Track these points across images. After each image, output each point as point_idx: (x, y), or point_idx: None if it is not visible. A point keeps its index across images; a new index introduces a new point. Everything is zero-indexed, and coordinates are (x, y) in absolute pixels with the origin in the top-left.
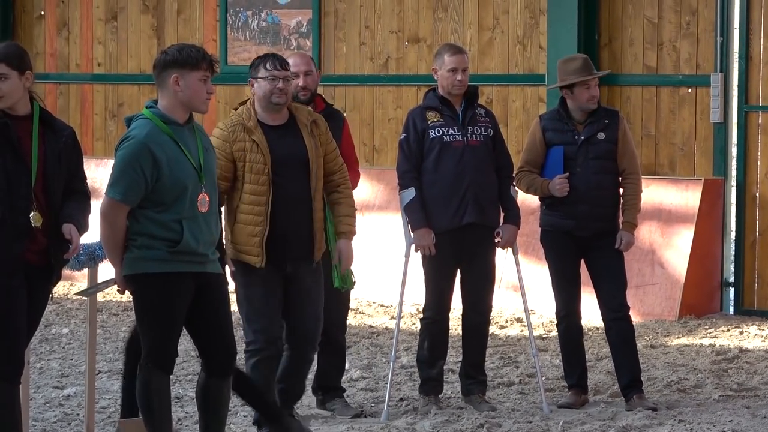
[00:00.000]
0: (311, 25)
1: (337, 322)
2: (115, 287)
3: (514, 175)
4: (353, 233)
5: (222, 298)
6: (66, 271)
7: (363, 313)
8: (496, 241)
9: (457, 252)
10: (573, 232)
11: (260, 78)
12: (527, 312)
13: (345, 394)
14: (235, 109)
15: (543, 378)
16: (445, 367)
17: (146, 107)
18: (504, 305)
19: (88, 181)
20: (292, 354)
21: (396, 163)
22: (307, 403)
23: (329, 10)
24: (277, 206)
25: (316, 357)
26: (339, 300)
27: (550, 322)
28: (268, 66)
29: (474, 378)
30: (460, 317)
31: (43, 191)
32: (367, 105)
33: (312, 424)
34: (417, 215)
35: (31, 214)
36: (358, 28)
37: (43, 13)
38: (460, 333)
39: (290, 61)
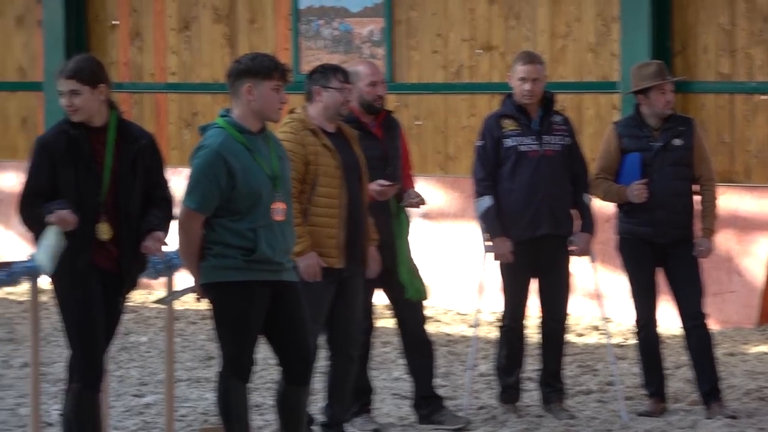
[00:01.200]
0: (383, 33)
1: (420, 319)
2: (193, 295)
3: (589, 182)
4: None
5: (298, 306)
6: (143, 280)
7: (440, 321)
8: (571, 249)
9: (533, 261)
10: (651, 240)
11: (332, 88)
12: (605, 320)
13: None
14: (290, 113)
15: (622, 386)
16: (524, 375)
17: (220, 116)
18: (581, 313)
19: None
20: (338, 358)
21: (471, 171)
22: (409, 422)
23: (401, 18)
24: (347, 210)
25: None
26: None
27: (628, 329)
28: (340, 78)
29: (552, 386)
30: (538, 325)
31: (114, 203)
32: (440, 113)
33: None
34: (494, 223)
35: (99, 226)
36: (430, 36)
37: (116, 22)
38: (539, 341)
39: (365, 69)
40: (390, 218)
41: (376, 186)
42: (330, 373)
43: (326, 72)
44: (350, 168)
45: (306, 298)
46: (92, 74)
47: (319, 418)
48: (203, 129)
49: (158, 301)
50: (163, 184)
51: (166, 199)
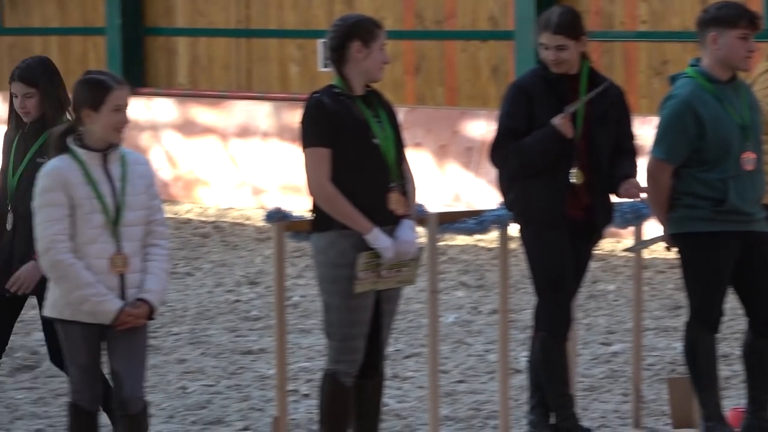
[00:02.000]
0: None
1: None
2: (662, 244)
3: None
4: None
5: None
6: (612, 228)
7: None
8: None
9: None
10: None
11: None
12: None
13: None
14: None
15: None
16: None
17: (690, 65)
18: None
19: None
20: None
21: None
22: None
23: None
24: None
25: None
26: None
27: None
28: None
29: None
30: None
31: (586, 149)
32: None
33: None
34: None
35: (572, 171)
36: None
37: None
38: None
39: None
40: None
41: None
42: None
43: None
44: None
45: None
46: (577, 28)
47: None
48: (673, 78)
49: (627, 250)
50: (630, 136)
51: (633, 151)
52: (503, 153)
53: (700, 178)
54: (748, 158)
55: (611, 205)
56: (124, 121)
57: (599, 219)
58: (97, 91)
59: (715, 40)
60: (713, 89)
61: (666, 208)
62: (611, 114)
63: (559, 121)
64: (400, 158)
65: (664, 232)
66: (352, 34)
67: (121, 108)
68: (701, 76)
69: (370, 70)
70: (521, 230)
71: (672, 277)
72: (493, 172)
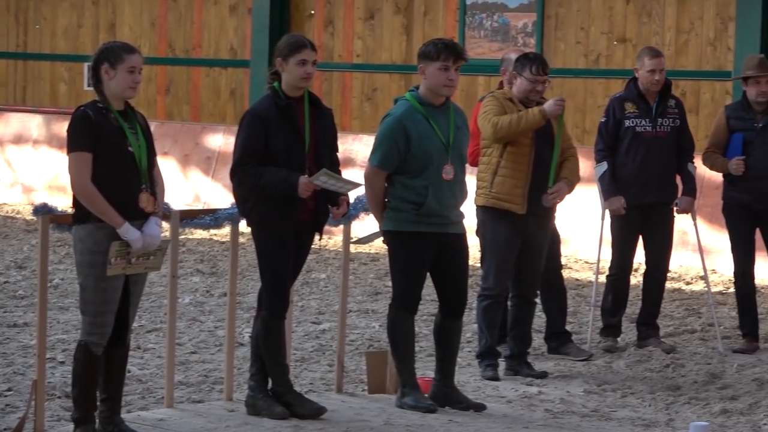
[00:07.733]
0: (535, 26)
1: (557, 266)
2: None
3: (702, 154)
4: None
5: (461, 254)
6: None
7: (570, 268)
8: (675, 209)
9: (640, 222)
10: (749, 205)
11: (524, 77)
12: (705, 270)
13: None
14: (499, 89)
15: (721, 327)
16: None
17: (409, 91)
18: (690, 264)
19: (346, 152)
20: (520, 301)
21: (594, 142)
22: (541, 351)
23: (551, 13)
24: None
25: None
26: (556, 247)
27: (729, 280)
28: (533, 70)
29: (650, 324)
30: (642, 275)
31: (314, 161)
32: (580, 94)
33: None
34: (609, 185)
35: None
36: (574, 29)
37: (312, 12)
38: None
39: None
40: None
41: None
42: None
43: (523, 61)
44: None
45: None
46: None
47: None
48: (395, 101)
49: (356, 242)
50: (336, 149)
51: (337, 163)
52: (243, 174)
53: (406, 184)
54: (448, 169)
55: (328, 208)
56: None
57: (321, 220)
58: None
59: (422, 71)
60: (423, 111)
61: (382, 208)
62: (328, 131)
63: (304, 185)
64: (152, 164)
65: (380, 228)
66: (102, 58)
67: None
68: (415, 100)
69: (117, 89)
70: (256, 232)
71: (373, 268)
72: (226, 177)
